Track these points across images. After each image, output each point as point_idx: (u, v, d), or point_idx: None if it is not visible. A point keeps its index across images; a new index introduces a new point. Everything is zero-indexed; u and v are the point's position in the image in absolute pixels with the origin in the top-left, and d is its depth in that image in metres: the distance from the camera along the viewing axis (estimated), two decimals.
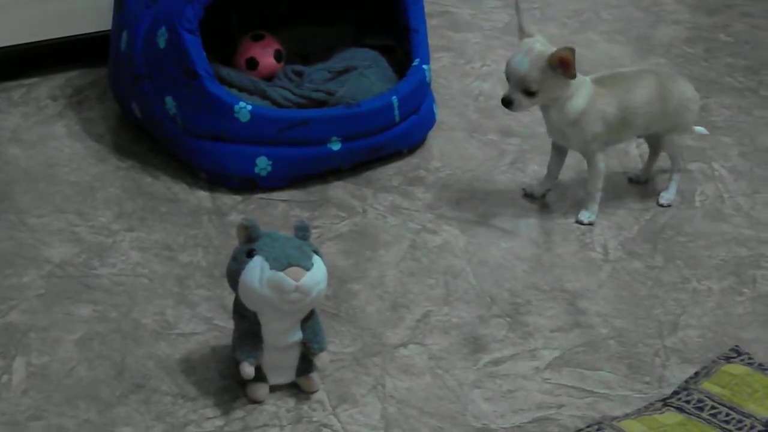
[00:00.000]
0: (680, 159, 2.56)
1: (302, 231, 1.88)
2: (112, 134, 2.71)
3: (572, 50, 2.26)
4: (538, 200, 2.55)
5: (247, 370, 1.85)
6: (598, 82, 2.42)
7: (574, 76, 2.31)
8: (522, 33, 2.36)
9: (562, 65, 2.28)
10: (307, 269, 1.81)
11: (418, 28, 2.75)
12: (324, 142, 2.51)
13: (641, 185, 2.64)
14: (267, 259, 1.80)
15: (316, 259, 1.84)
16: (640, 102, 2.43)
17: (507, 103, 2.35)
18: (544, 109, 2.41)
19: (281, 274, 1.79)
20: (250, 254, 1.83)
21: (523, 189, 2.59)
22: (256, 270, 1.81)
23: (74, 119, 2.76)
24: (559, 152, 2.54)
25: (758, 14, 3.65)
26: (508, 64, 2.34)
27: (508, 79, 2.35)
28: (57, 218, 2.38)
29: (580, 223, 2.48)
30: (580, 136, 2.41)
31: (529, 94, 2.33)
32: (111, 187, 2.50)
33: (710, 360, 2.06)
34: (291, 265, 1.80)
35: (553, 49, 2.30)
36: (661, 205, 2.56)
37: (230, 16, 2.87)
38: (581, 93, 2.37)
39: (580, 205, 2.51)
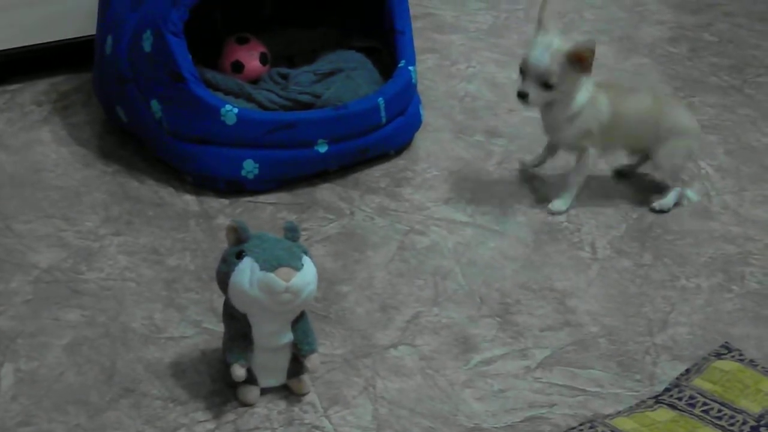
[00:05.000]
0: (676, 180, 2.54)
1: (291, 232, 1.87)
2: (97, 139, 2.69)
3: (592, 48, 2.31)
4: (529, 170, 2.64)
5: (238, 372, 1.84)
6: (599, 84, 2.46)
7: (590, 73, 2.35)
8: (540, 26, 2.38)
9: (581, 61, 2.32)
10: (297, 270, 1.80)
11: (403, 29, 2.75)
12: (311, 145, 2.50)
13: (627, 179, 2.64)
14: (257, 261, 1.80)
15: (305, 259, 1.83)
16: (631, 112, 2.47)
17: (523, 96, 2.38)
18: (547, 105, 2.43)
19: (271, 275, 1.78)
20: (240, 256, 1.82)
21: (520, 162, 2.67)
22: (246, 271, 1.80)
23: (59, 124, 2.74)
24: (553, 146, 2.60)
25: (740, 13, 3.66)
26: (527, 59, 2.36)
27: (524, 73, 2.37)
28: (43, 223, 2.37)
29: (550, 212, 2.50)
30: (574, 131, 2.44)
31: (547, 87, 2.35)
32: (97, 192, 2.49)
33: (701, 357, 2.06)
34: (281, 266, 1.79)
35: (571, 44, 2.34)
36: (652, 209, 2.54)
37: (214, 18, 2.86)
38: (585, 89, 2.41)
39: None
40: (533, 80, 2.36)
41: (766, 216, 2.54)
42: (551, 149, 2.61)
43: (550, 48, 2.33)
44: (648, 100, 2.51)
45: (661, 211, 2.52)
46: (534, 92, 2.37)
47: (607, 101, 2.44)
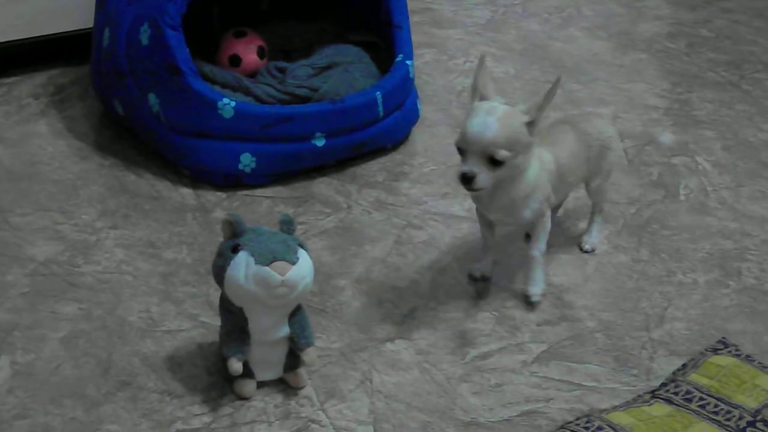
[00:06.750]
0: (603, 202, 2.37)
1: (287, 225, 1.87)
2: (94, 132, 2.69)
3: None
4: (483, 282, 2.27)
5: (235, 366, 1.84)
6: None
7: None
8: (475, 94, 1.98)
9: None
10: (293, 263, 1.80)
11: (401, 23, 2.74)
12: (308, 138, 2.50)
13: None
14: (252, 254, 1.80)
15: (301, 252, 1.83)
16: (568, 155, 2.16)
17: (468, 179, 1.92)
18: (493, 187, 2.00)
19: (267, 268, 1.78)
20: (235, 249, 1.82)
21: (469, 274, 2.26)
22: (242, 265, 1.80)
23: (56, 117, 2.74)
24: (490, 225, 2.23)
25: (738, 9, 3.66)
26: (466, 130, 1.91)
27: (463, 149, 1.93)
28: (40, 216, 2.37)
29: (528, 300, 2.17)
30: (531, 206, 2.08)
31: (496, 164, 1.92)
32: (94, 185, 2.49)
33: (697, 352, 2.06)
34: (276, 260, 1.79)
35: (524, 106, 1.97)
36: (585, 251, 2.35)
37: (211, 12, 2.86)
38: (534, 156, 2.04)
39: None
40: (477, 158, 1.91)
41: (762, 211, 2.54)
42: (491, 233, 2.22)
43: (495, 112, 1.91)
44: (569, 132, 2.19)
45: (593, 250, 2.34)
46: (483, 173, 1.92)
47: (551, 156, 2.10)
